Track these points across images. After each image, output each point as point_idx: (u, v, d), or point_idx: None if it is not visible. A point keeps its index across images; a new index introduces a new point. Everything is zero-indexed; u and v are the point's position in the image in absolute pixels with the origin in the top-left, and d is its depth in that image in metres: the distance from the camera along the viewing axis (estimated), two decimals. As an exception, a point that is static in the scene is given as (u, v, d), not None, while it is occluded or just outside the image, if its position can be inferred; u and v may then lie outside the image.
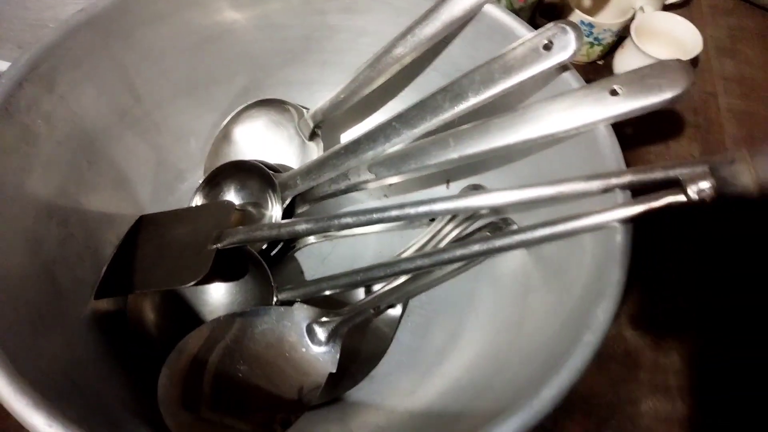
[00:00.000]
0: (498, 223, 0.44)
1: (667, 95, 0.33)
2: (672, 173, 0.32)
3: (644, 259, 0.49)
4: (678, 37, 0.56)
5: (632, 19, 0.57)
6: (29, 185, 0.35)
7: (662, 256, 0.49)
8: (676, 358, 0.45)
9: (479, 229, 0.45)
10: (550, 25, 0.35)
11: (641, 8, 0.57)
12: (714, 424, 0.43)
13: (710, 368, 0.45)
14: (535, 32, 0.36)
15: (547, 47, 0.35)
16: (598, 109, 0.34)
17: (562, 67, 0.36)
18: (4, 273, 0.31)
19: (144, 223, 0.43)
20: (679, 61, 0.34)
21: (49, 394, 0.26)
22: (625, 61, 0.56)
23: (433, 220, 0.47)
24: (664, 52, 0.55)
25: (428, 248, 0.45)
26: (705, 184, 0.29)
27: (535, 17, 0.58)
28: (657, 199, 0.30)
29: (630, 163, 0.33)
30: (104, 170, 0.41)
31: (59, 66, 0.36)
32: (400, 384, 0.42)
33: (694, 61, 0.60)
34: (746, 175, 0.28)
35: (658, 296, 0.47)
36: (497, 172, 0.45)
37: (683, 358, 0.45)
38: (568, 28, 0.35)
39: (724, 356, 0.45)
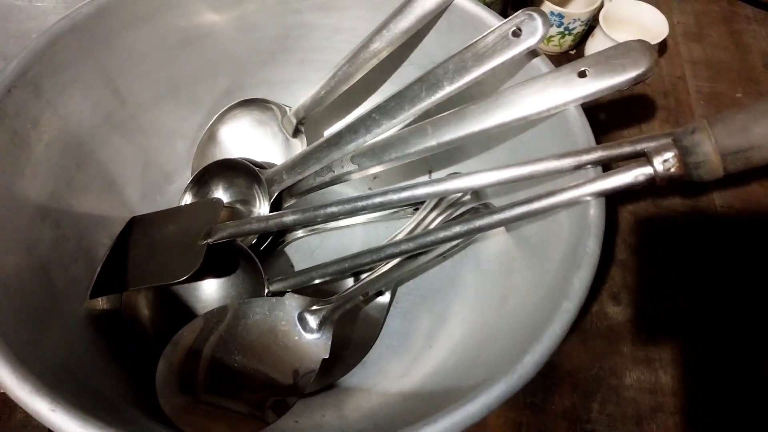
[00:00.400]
0: (479, 208, 0.46)
1: (631, 74, 0.35)
2: (639, 147, 0.34)
3: (645, 258, 0.50)
4: (645, 24, 0.58)
5: (600, 7, 0.58)
6: (21, 188, 0.36)
7: (663, 253, 0.51)
8: (657, 331, 0.47)
9: (462, 215, 0.46)
10: (518, 12, 0.37)
11: (609, -3, 0.59)
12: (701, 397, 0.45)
13: (708, 368, 0.46)
14: (504, 20, 0.37)
15: (516, 34, 0.37)
16: (567, 91, 0.36)
17: (532, 53, 0.38)
18: (1, 273, 0.32)
19: (135, 224, 0.44)
20: (640, 41, 0.36)
21: (50, 382, 0.27)
22: (595, 48, 0.57)
23: (417, 209, 0.48)
24: (632, 38, 0.56)
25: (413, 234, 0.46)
26: (669, 155, 0.31)
27: (507, 10, 0.60)
28: (625, 172, 0.32)
29: (603, 146, 0.35)
30: (93, 172, 0.42)
31: (45, 72, 0.37)
32: (392, 368, 0.43)
33: (662, 46, 0.62)
34: (707, 143, 0.29)
35: (658, 296, 0.49)
36: (476, 160, 0.47)
37: (680, 357, 0.46)
38: (535, 14, 0.36)
39: (724, 356, 0.47)
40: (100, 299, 0.40)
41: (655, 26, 0.57)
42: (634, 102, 0.58)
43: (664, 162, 0.31)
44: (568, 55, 0.62)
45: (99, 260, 0.41)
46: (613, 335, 0.47)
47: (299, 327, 0.39)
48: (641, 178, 0.32)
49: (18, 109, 0.36)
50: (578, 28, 0.58)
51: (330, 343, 0.39)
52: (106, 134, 0.42)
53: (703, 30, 0.65)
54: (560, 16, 0.57)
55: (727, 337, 0.47)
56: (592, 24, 0.59)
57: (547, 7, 0.57)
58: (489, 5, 0.55)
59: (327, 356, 0.38)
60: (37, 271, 0.35)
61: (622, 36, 0.56)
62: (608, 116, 0.57)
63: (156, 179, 0.47)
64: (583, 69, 0.36)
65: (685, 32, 0.65)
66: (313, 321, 0.39)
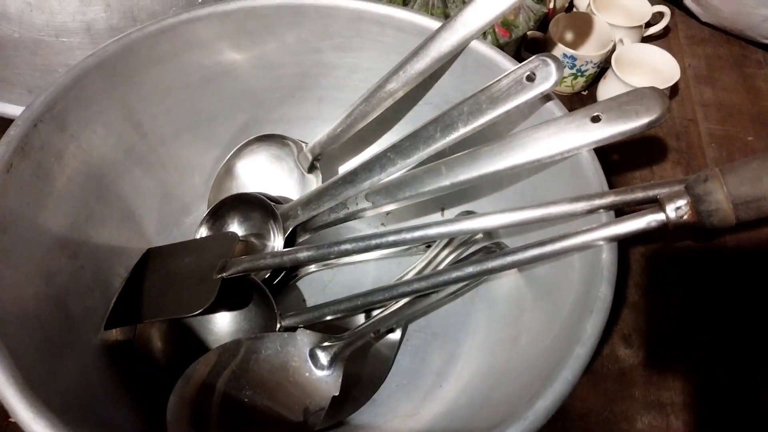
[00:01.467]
0: (491, 247, 0.46)
1: (644, 120, 0.35)
2: (651, 193, 0.34)
3: (656, 300, 0.51)
4: (657, 67, 0.59)
5: (613, 50, 0.59)
6: (42, 219, 0.36)
7: (675, 295, 0.51)
8: (669, 375, 0.47)
9: (474, 254, 0.47)
10: (532, 57, 0.38)
11: (620, 40, 0.60)
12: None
13: (714, 388, 0.46)
14: (519, 65, 0.38)
15: (530, 78, 0.37)
16: (580, 135, 0.36)
17: (546, 97, 0.39)
18: (19, 302, 0.32)
19: (151, 256, 0.44)
20: (653, 88, 0.36)
21: (64, 417, 0.27)
22: (607, 90, 0.58)
23: (429, 246, 0.48)
24: (644, 81, 0.57)
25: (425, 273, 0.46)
26: (681, 202, 0.31)
27: (520, 51, 0.61)
28: (638, 218, 0.32)
29: (616, 187, 0.35)
30: (112, 205, 0.42)
31: (71, 107, 0.38)
32: (402, 406, 0.43)
33: (674, 89, 0.62)
34: (719, 192, 0.30)
35: (670, 339, 0.49)
36: (489, 199, 0.47)
37: (686, 377, 0.46)
38: (549, 60, 0.37)
39: (731, 374, 0.46)
40: (114, 330, 0.41)
41: (666, 69, 0.58)
42: (646, 144, 0.59)
43: (677, 209, 0.31)
44: (581, 95, 0.63)
45: (115, 291, 0.42)
46: (625, 378, 0.46)
47: (310, 363, 0.39)
48: (654, 224, 0.32)
49: (43, 143, 0.37)
50: (590, 70, 0.59)
51: (341, 380, 0.39)
52: (127, 167, 0.43)
53: (715, 73, 0.66)
54: (573, 58, 0.58)
55: (733, 354, 0.47)
56: (604, 66, 0.60)
57: (560, 49, 0.58)
58: (502, 47, 0.56)
59: (337, 393, 0.38)
60: (54, 302, 0.36)
61: (634, 78, 0.56)
62: (620, 157, 0.57)
63: (173, 211, 0.48)
64: (596, 114, 0.36)
65: (697, 75, 0.66)
66: (324, 357, 0.39)
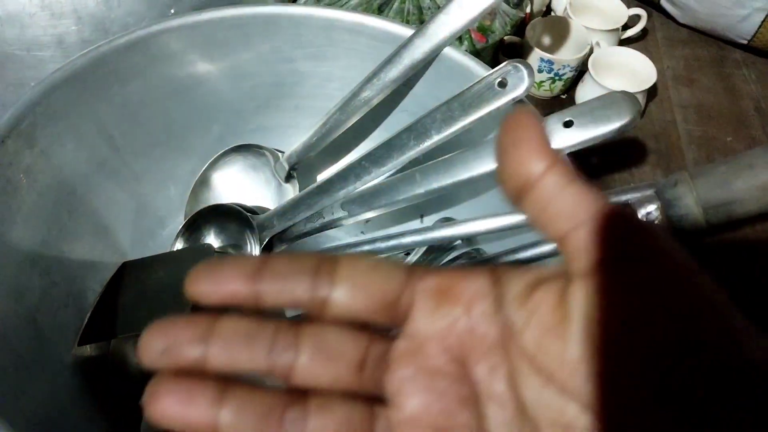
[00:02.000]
0: (471, 252, 0.46)
1: (615, 125, 0.35)
2: (623, 198, 0.34)
3: None
4: (634, 69, 0.59)
5: (590, 54, 0.60)
6: (12, 236, 0.36)
7: None
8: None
9: (453, 260, 0.46)
10: (503, 63, 0.38)
11: (597, 43, 0.60)
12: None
13: None
14: (490, 71, 0.38)
15: (502, 84, 0.37)
16: (553, 140, 0.36)
17: (519, 102, 0.38)
18: (-13, 322, 0.32)
19: (127, 270, 0.44)
20: (624, 92, 0.36)
21: (33, 438, 0.27)
22: (585, 94, 0.58)
23: (408, 254, 0.48)
24: (621, 84, 0.57)
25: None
26: (652, 207, 0.31)
27: (497, 56, 0.61)
28: (610, 222, 0.32)
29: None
30: (85, 219, 0.42)
31: (39, 122, 0.38)
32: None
33: (652, 91, 0.62)
34: (688, 197, 0.30)
35: None
36: (467, 205, 0.47)
37: None
38: (520, 66, 0.37)
39: None
40: (88, 346, 0.40)
41: (643, 72, 0.58)
42: (625, 146, 0.59)
43: (648, 214, 0.31)
44: (560, 99, 0.63)
45: (89, 306, 0.41)
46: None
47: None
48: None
49: (11, 159, 0.36)
50: (568, 74, 0.59)
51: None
52: (100, 182, 0.43)
53: (693, 74, 0.66)
54: (550, 62, 0.58)
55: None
56: (582, 69, 0.60)
57: (537, 54, 0.58)
58: (479, 52, 0.56)
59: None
60: (24, 319, 0.35)
61: (611, 81, 0.57)
62: (600, 160, 0.57)
63: (148, 224, 0.48)
64: (568, 119, 0.36)
65: (675, 76, 0.66)
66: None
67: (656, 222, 0.31)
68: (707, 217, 0.30)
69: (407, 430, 0.17)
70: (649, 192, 0.33)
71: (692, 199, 0.29)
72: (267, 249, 0.45)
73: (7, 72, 0.47)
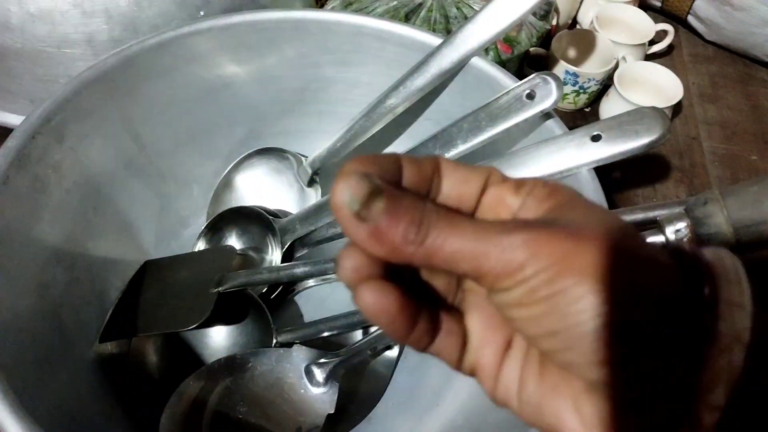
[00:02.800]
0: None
1: (644, 140, 0.35)
2: (651, 215, 0.34)
3: None
4: (660, 85, 0.59)
5: (615, 68, 0.59)
6: (38, 231, 0.36)
7: None
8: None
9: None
10: (532, 75, 0.38)
11: (623, 58, 0.60)
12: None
13: None
14: (519, 83, 0.38)
15: (530, 96, 0.37)
16: (580, 154, 0.36)
17: (546, 115, 0.38)
18: (13, 315, 0.32)
19: (148, 268, 0.44)
20: (654, 108, 0.36)
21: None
22: (609, 108, 0.58)
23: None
24: (647, 100, 0.57)
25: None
26: (681, 225, 0.31)
27: (522, 68, 0.61)
28: (637, 238, 0.32)
29: (618, 205, 0.35)
30: (109, 217, 0.42)
31: (69, 119, 0.38)
32: (398, 425, 0.42)
33: (677, 107, 0.62)
34: (719, 216, 0.29)
35: None
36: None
37: None
38: (549, 78, 0.37)
39: None
40: (108, 343, 0.40)
41: (669, 88, 0.57)
42: (648, 161, 0.58)
43: (677, 232, 0.31)
44: (583, 112, 0.63)
45: (110, 303, 0.42)
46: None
47: (306, 380, 0.39)
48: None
49: (41, 155, 0.36)
50: (593, 87, 0.59)
51: (336, 398, 0.38)
52: (125, 180, 0.43)
53: (719, 91, 0.66)
54: (575, 75, 0.58)
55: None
56: (606, 83, 0.60)
57: (563, 66, 0.58)
58: (504, 63, 0.56)
59: (333, 411, 0.38)
60: (48, 315, 0.36)
61: (637, 96, 0.56)
62: (623, 174, 0.57)
63: (171, 224, 0.48)
64: (596, 133, 0.36)
65: (701, 93, 0.65)
66: (320, 374, 0.39)
67: (684, 239, 0.31)
68: (738, 236, 0.29)
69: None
70: (678, 209, 0.32)
71: (723, 218, 0.29)
72: (288, 253, 0.45)
73: (37, 68, 0.48)
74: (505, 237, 0.17)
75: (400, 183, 0.19)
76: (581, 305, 0.16)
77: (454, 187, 0.20)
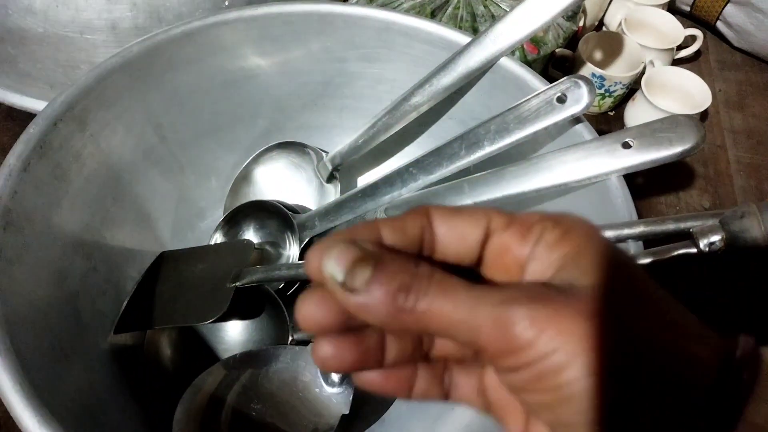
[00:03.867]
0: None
1: (677, 149, 0.34)
2: (683, 226, 0.33)
3: None
4: (687, 91, 0.58)
5: (642, 72, 0.58)
6: (57, 220, 0.36)
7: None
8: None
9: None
10: (563, 78, 0.37)
11: (651, 62, 0.59)
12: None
13: None
14: (550, 85, 0.37)
15: (561, 100, 0.36)
16: (610, 161, 0.35)
17: (575, 119, 0.37)
18: (30, 304, 0.32)
19: (164, 260, 0.44)
20: (689, 116, 0.35)
21: (69, 424, 0.27)
22: (635, 113, 0.57)
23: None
24: (674, 105, 0.56)
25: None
26: (716, 238, 0.30)
27: (547, 69, 0.60)
28: (669, 251, 0.31)
29: (641, 212, 0.34)
30: (128, 206, 0.42)
31: (92, 107, 0.38)
32: (412, 427, 0.42)
33: (703, 114, 0.61)
34: (756, 230, 0.29)
35: None
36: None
37: None
38: (581, 82, 0.36)
39: None
40: (123, 335, 0.40)
41: (697, 94, 0.56)
42: (672, 168, 0.57)
43: (711, 245, 0.30)
44: (607, 116, 0.62)
45: (127, 293, 0.41)
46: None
47: (321, 379, 0.39)
48: (684, 257, 0.31)
49: (62, 143, 0.36)
50: (619, 90, 0.58)
51: (351, 398, 0.38)
52: (145, 169, 0.43)
53: (745, 99, 0.65)
54: (602, 78, 0.57)
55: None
56: (633, 87, 0.59)
57: (589, 68, 0.57)
58: (530, 63, 0.55)
59: (348, 412, 0.37)
60: (65, 304, 0.35)
61: (664, 102, 0.55)
62: (645, 181, 0.56)
63: (188, 215, 0.47)
64: (627, 140, 0.35)
65: (727, 100, 0.64)
66: (335, 374, 0.38)
67: (718, 252, 0.30)
68: (774, 252, 0.29)
69: None
70: (712, 221, 0.31)
71: (760, 233, 0.28)
72: (306, 249, 0.45)
73: (60, 53, 0.48)
74: (505, 309, 0.15)
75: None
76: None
77: (451, 241, 0.18)
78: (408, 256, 0.17)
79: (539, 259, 0.17)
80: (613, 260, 0.17)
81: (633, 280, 0.17)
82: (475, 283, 0.17)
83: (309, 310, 0.17)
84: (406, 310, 0.16)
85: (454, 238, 0.18)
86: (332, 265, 0.16)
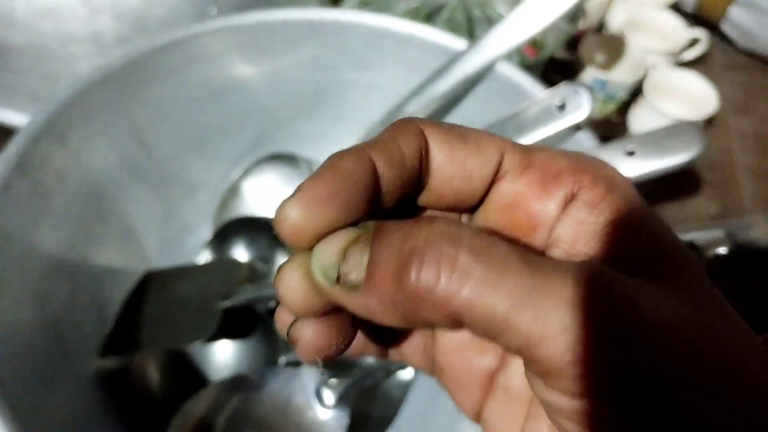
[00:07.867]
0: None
1: (681, 157, 0.33)
2: (688, 237, 0.31)
3: None
4: (692, 94, 0.56)
5: (646, 75, 0.57)
6: (38, 240, 0.34)
7: None
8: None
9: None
10: (562, 85, 0.35)
11: (654, 65, 0.57)
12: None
13: None
14: (549, 92, 0.36)
15: (561, 107, 0.35)
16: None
17: (576, 127, 0.36)
18: (11, 328, 0.30)
19: (150, 279, 0.42)
20: (693, 124, 0.34)
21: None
22: (639, 117, 0.55)
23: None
24: (679, 109, 0.54)
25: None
26: (722, 250, 0.28)
27: (548, 73, 0.58)
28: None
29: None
30: (112, 224, 0.40)
31: (74, 122, 0.36)
32: (410, 449, 0.40)
33: (710, 118, 0.59)
34: (763, 241, 0.27)
35: None
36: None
37: None
38: (580, 89, 0.34)
39: None
40: (109, 358, 0.38)
41: (703, 98, 0.55)
42: (677, 174, 0.56)
43: (717, 257, 0.29)
44: (610, 121, 0.60)
45: (112, 315, 0.40)
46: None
47: (316, 402, 0.37)
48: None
49: (43, 160, 0.35)
50: (622, 94, 0.57)
51: (347, 422, 0.36)
52: (129, 185, 0.41)
53: (751, 102, 0.63)
54: (604, 82, 0.55)
55: None
56: (636, 91, 0.57)
57: (591, 72, 0.55)
58: (529, 68, 0.53)
59: (343, 436, 0.36)
60: (48, 328, 0.34)
61: (668, 106, 0.54)
62: (650, 188, 0.54)
63: (175, 231, 0.46)
64: (631, 148, 0.34)
65: (733, 104, 0.63)
66: (331, 396, 0.37)
67: (722, 260, 0.28)
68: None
69: None
70: (718, 233, 0.30)
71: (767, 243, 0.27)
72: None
73: (42, 65, 0.46)
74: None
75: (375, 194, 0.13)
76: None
77: (452, 177, 0.13)
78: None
79: (580, 225, 0.13)
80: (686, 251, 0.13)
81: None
82: (535, 255, 0.12)
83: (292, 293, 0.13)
84: (436, 302, 0.11)
85: (455, 173, 0.13)
86: (316, 265, 0.12)
